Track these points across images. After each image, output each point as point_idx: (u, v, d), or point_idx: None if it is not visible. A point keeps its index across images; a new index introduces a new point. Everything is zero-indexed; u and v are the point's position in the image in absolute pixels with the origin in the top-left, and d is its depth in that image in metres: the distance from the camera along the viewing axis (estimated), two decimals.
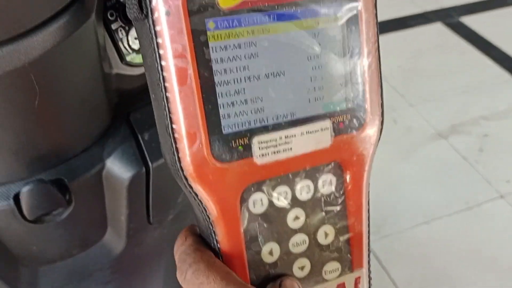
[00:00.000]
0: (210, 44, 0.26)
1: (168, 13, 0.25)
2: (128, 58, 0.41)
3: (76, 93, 0.36)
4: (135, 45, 0.41)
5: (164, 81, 0.26)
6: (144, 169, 0.44)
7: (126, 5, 0.26)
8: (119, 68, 0.41)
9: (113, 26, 0.39)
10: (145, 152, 0.44)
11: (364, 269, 0.33)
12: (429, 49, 2.05)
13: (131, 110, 0.45)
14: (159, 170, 0.45)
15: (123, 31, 0.40)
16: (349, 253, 0.32)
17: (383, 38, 2.09)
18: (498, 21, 2.20)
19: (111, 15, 0.39)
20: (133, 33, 0.41)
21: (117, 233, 0.50)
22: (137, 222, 0.49)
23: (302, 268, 0.31)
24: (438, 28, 2.17)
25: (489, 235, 1.39)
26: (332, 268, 0.31)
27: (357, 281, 0.32)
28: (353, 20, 0.29)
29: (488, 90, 1.85)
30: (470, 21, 2.21)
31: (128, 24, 0.40)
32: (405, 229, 1.40)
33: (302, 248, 0.31)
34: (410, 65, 1.96)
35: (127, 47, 0.40)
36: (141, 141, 0.44)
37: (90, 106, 0.39)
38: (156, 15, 0.25)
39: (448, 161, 1.59)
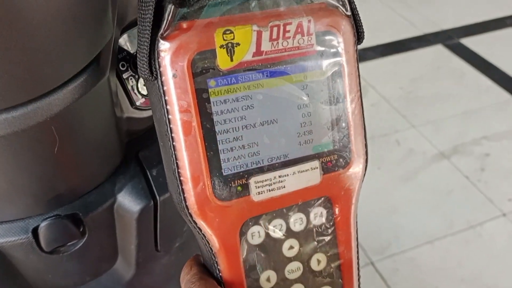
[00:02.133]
0: (212, 99, 0.29)
1: (175, 76, 0.28)
2: (137, 103, 0.44)
3: (91, 138, 0.39)
4: (144, 91, 0.45)
5: (171, 132, 0.29)
6: (152, 202, 0.47)
7: (138, 67, 0.29)
8: (129, 112, 0.44)
9: (124, 75, 0.43)
10: (153, 187, 0.47)
11: None
12: (430, 70, 2.07)
13: (139, 148, 0.49)
14: (166, 203, 0.48)
15: (133, 79, 0.44)
16: (340, 278, 0.35)
17: (385, 60, 2.12)
18: (497, 42, 2.23)
19: (123, 66, 0.43)
20: (142, 81, 0.45)
21: (127, 261, 0.53)
22: (146, 251, 0.53)
23: None
24: (438, 50, 2.20)
25: (491, 254, 1.41)
26: None
27: None
28: (337, 73, 0.32)
29: (489, 110, 1.87)
30: (469, 42, 2.23)
31: (137, 73, 0.44)
32: (409, 249, 1.41)
33: (297, 274, 0.33)
34: (412, 87, 1.98)
35: (137, 93, 0.44)
36: (150, 177, 0.47)
37: (103, 147, 0.43)
38: (164, 77, 0.28)
39: (450, 181, 1.61)
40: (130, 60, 0.43)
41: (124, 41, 0.43)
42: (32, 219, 0.43)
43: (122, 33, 0.42)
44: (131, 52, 0.43)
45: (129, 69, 0.43)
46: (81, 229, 0.45)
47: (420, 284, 1.34)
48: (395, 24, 2.35)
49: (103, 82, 0.35)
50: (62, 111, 0.33)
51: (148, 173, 0.47)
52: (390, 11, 2.44)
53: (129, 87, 0.44)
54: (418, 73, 2.05)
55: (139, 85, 0.44)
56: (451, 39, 2.25)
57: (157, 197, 0.47)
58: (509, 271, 1.36)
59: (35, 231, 0.43)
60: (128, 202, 0.47)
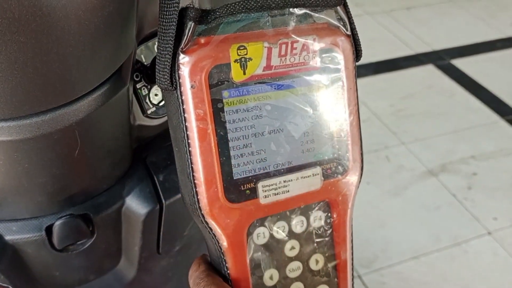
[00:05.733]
0: (225, 109, 0.32)
1: (193, 86, 0.31)
2: (148, 112, 0.47)
3: (107, 142, 0.42)
4: (155, 100, 0.48)
5: (187, 138, 0.31)
6: (158, 206, 0.50)
7: (157, 78, 0.32)
8: (140, 120, 0.47)
9: (138, 85, 0.46)
10: (160, 191, 0.50)
11: None
12: (421, 89, 2.11)
13: (147, 154, 0.52)
14: (170, 207, 0.51)
15: (145, 89, 0.47)
16: (336, 277, 0.37)
17: (378, 78, 2.16)
18: (487, 64, 2.27)
19: (136, 76, 0.46)
20: (153, 90, 0.47)
21: (130, 261, 0.56)
22: (148, 252, 0.55)
23: None
24: (429, 70, 2.24)
25: (476, 271, 1.43)
26: None
27: None
28: (338, 87, 0.35)
29: (477, 130, 1.91)
30: (460, 63, 2.27)
31: (150, 83, 0.47)
32: (395, 264, 1.43)
33: (297, 273, 0.36)
34: (402, 105, 2.02)
35: (148, 102, 0.47)
36: (156, 182, 0.50)
37: (116, 152, 0.45)
38: (183, 88, 0.31)
39: (438, 198, 1.64)
40: (144, 71, 0.46)
41: (139, 53, 0.46)
42: (46, 218, 0.46)
43: (138, 45, 0.45)
44: (145, 63, 0.46)
45: (142, 80, 0.46)
46: (90, 229, 0.48)
47: None
48: (388, 43, 2.39)
49: (123, 91, 0.38)
50: (86, 116, 0.36)
51: (155, 178, 0.50)
52: (383, 29, 2.49)
53: (142, 97, 0.47)
54: (409, 92, 2.09)
55: (150, 95, 0.47)
56: (442, 59, 2.30)
57: (163, 201, 0.50)
58: (494, 287, 1.39)
59: (48, 229, 0.46)
60: (135, 204, 0.49)
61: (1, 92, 0.30)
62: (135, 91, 0.46)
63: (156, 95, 0.47)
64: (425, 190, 1.66)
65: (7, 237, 0.46)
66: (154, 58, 0.45)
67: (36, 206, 0.45)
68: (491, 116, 1.99)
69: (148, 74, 0.46)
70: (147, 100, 0.47)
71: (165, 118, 0.50)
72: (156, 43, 0.45)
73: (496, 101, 2.06)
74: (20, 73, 0.29)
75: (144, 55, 0.46)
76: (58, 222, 0.45)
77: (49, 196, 0.44)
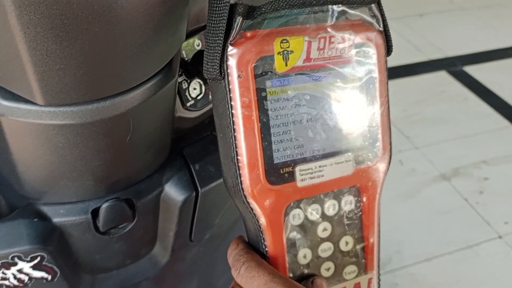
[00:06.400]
0: (268, 98, 0.34)
1: (240, 76, 0.33)
2: (188, 104, 0.51)
3: (154, 132, 0.46)
4: (194, 94, 0.51)
5: (233, 124, 0.34)
6: (194, 193, 0.53)
7: (204, 69, 0.35)
8: (180, 112, 0.51)
9: (179, 79, 0.49)
10: (196, 180, 0.53)
11: (375, 272, 0.41)
12: (433, 95, 2.12)
13: (184, 146, 0.55)
14: (205, 194, 0.54)
15: (185, 83, 0.50)
16: (364, 258, 0.40)
17: (391, 83, 2.19)
18: (499, 71, 2.28)
19: (178, 71, 0.49)
20: (192, 84, 0.51)
21: (164, 247, 0.59)
22: (182, 239, 0.58)
23: (328, 269, 0.39)
24: (442, 76, 2.25)
25: (487, 273, 1.45)
26: (351, 270, 0.40)
27: (369, 281, 0.41)
28: (371, 80, 0.38)
29: (488, 136, 1.92)
30: (472, 70, 2.28)
31: (190, 77, 0.50)
32: (408, 265, 1.45)
33: (328, 253, 0.39)
34: (415, 110, 2.03)
35: (187, 95, 0.50)
36: (193, 171, 0.53)
37: (159, 141, 0.49)
38: (230, 77, 0.34)
39: (450, 202, 1.65)
40: (184, 66, 0.49)
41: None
42: (92, 202, 0.49)
43: None
44: (186, 59, 0.49)
45: (183, 74, 0.50)
46: (132, 213, 0.51)
47: None
48: (401, 49, 2.41)
49: (172, 83, 0.42)
50: (140, 104, 0.39)
51: (192, 167, 0.53)
52: (397, 35, 2.51)
53: (182, 90, 0.50)
54: (422, 97, 2.11)
55: (190, 88, 0.51)
56: (455, 66, 2.31)
57: (199, 189, 0.53)
58: None
59: (93, 212, 0.49)
60: (173, 191, 0.52)
61: (71, 79, 0.33)
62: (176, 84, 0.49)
63: (194, 89, 0.51)
64: (437, 194, 1.68)
65: (55, 220, 0.49)
66: (196, 53, 0.49)
67: (84, 190, 0.48)
68: (501, 122, 2.00)
69: (188, 69, 0.49)
70: (187, 94, 0.50)
71: (201, 112, 0.54)
72: (195, 39, 0.48)
73: (506, 107, 2.07)
74: (91, 62, 0.32)
75: (184, 51, 0.49)
76: (105, 205, 0.48)
77: (98, 180, 0.47)
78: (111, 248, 0.54)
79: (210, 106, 0.54)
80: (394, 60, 2.31)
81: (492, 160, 1.82)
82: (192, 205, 0.54)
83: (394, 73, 2.24)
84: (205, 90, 0.52)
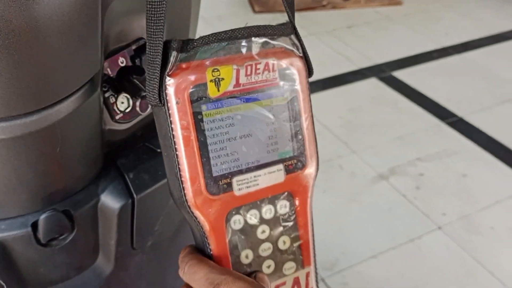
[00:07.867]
0: (204, 119, 0.39)
1: (178, 102, 0.38)
2: (117, 117, 0.55)
3: (83, 144, 0.49)
4: (122, 107, 0.55)
5: (175, 144, 0.38)
6: (130, 200, 0.57)
7: (147, 97, 0.38)
8: (110, 125, 0.54)
9: (106, 95, 0.53)
10: (131, 187, 0.57)
11: (312, 266, 0.45)
12: (367, 101, 2.21)
13: (117, 156, 0.59)
14: (141, 201, 0.58)
15: (113, 98, 0.54)
16: (301, 255, 0.44)
17: (326, 93, 2.27)
18: (426, 74, 2.39)
19: (104, 87, 0.53)
20: (120, 99, 0.55)
21: (107, 257, 0.62)
22: (123, 247, 0.61)
23: (269, 267, 0.43)
24: (373, 83, 2.34)
25: (431, 264, 1.51)
26: (289, 266, 0.44)
27: (307, 275, 0.45)
28: (295, 99, 0.42)
29: (421, 135, 2.01)
30: (401, 74, 2.39)
31: (116, 92, 0.54)
32: (355, 264, 1.49)
33: (268, 252, 0.43)
34: (350, 116, 2.11)
35: (116, 109, 0.54)
36: (128, 179, 0.57)
37: (91, 153, 0.52)
38: (170, 103, 0.38)
39: (389, 200, 1.71)
40: (110, 82, 0.53)
41: (105, 67, 0.53)
42: (31, 215, 0.52)
43: (104, 60, 0.52)
44: (111, 75, 0.53)
45: (109, 90, 0.53)
46: (71, 224, 0.54)
47: None
48: (334, 61, 2.49)
49: (95, 96, 0.45)
50: (66, 116, 0.43)
51: (126, 176, 0.57)
52: (329, 49, 2.61)
53: (110, 104, 0.54)
54: (356, 104, 2.19)
55: (117, 102, 0.55)
56: (384, 72, 2.41)
57: (135, 196, 0.57)
58: (448, 279, 1.47)
59: (33, 225, 0.52)
60: (110, 200, 0.56)
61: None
62: (104, 100, 0.53)
63: (122, 102, 0.55)
64: (377, 194, 1.74)
65: None
66: (120, 70, 0.53)
67: (22, 204, 0.51)
68: (432, 121, 2.10)
69: (114, 84, 0.53)
70: (115, 107, 0.54)
71: (131, 124, 0.58)
72: (120, 58, 0.52)
73: (436, 106, 2.17)
74: (18, 79, 0.36)
75: (109, 69, 0.53)
76: (42, 217, 0.51)
77: (33, 193, 0.50)
78: (54, 260, 0.57)
79: (139, 118, 0.58)
80: (327, 72, 2.39)
81: (426, 157, 1.90)
82: (130, 212, 0.58)
83: (328, 83, 2.32)
84: (133, 103, 0.56)
